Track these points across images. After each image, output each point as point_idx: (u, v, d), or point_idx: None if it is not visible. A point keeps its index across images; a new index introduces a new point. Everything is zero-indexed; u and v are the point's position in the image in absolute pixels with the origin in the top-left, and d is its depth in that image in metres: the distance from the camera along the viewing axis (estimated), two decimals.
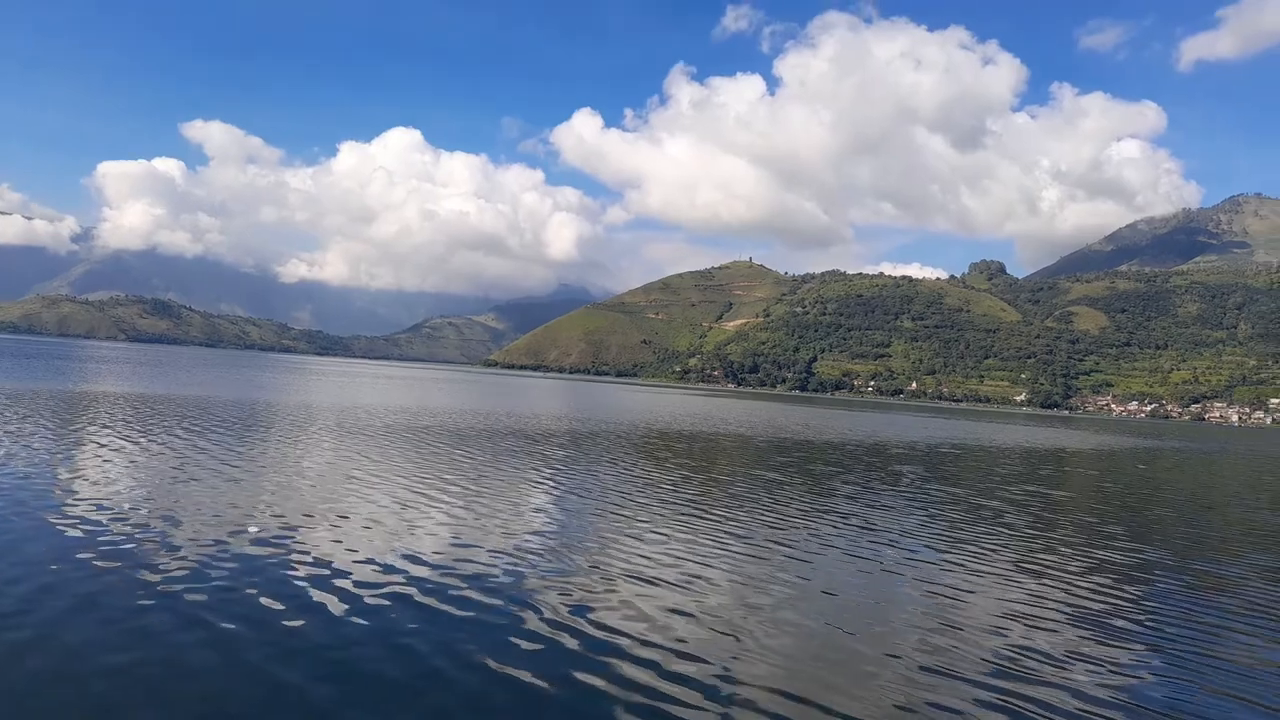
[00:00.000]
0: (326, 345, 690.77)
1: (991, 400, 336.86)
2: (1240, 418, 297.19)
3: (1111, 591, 13.92)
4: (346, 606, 10.26)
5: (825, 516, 19.39)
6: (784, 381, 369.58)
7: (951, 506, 22.76)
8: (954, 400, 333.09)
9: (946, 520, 20.27)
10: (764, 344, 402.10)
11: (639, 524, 16.80)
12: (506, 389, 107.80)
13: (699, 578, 12.79)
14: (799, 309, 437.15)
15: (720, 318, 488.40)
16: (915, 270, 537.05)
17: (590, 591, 11.65)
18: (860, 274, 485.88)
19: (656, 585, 12.17)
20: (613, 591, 11.71)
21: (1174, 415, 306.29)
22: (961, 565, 15.24)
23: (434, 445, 28.55)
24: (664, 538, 15.56)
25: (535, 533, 15.27)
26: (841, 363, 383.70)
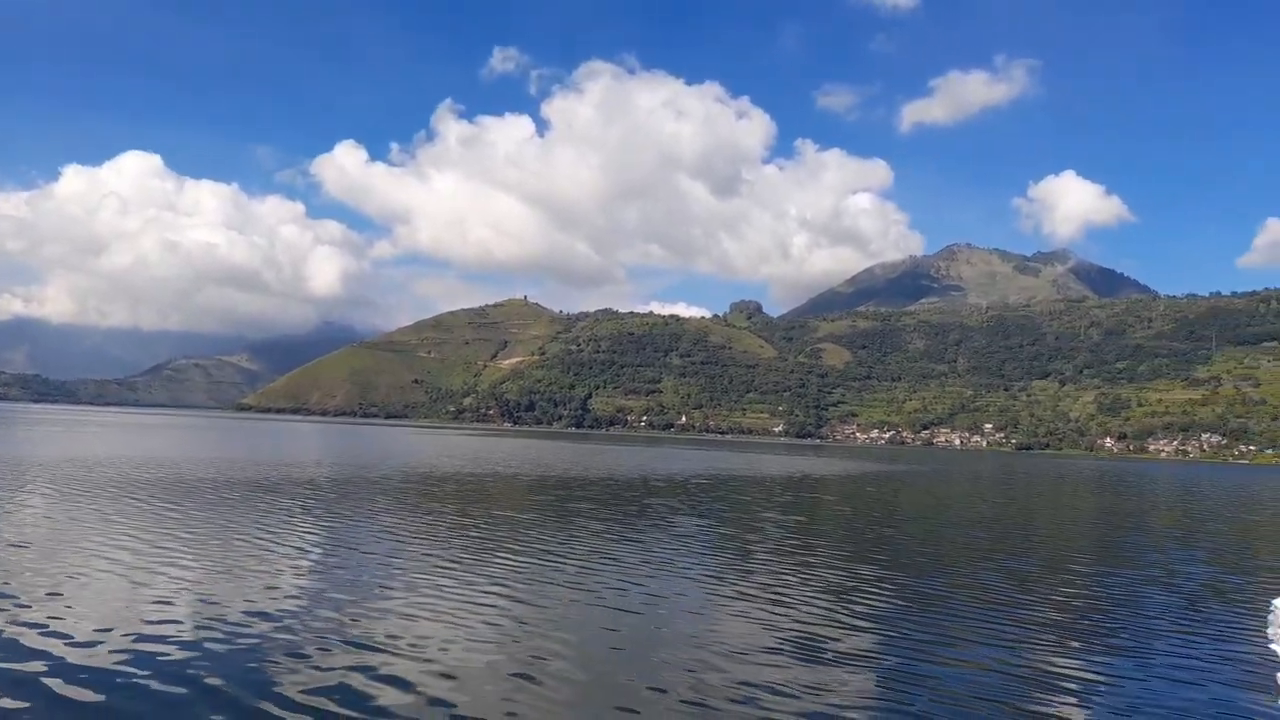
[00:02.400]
0: (45, 391, 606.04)
1: (753, 431, 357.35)
2: (961, 441, 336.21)
3: (835, 613, 14.90)
4: (28, 703, 8.76)
5: (577, 558, 19.39)
6: (561, 419, 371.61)
7: (697, 538, 23.61)
8: (720, 432, 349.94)
9: (690, 552, 20.96)
10: (540, 382, 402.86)
11: (385, 580, 15.93)
12: (259, 434, 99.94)
13: (445, 635, 12.24)
14: (574, 347, 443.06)
15: (495, 356, 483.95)
16: (682, 309, 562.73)
17: (323, 660, 10.77)
18: (632, 313, 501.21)
19: (396, 651, 11.48)
20: (349, 655, 10.91)
21: (908, 441, 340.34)
22: (701, 597, 15.73)
23: (161, 501, 25.64)
24: (409, 593, 14.82)
25: (268, 597, 13.97)
26: (616, 399, 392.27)
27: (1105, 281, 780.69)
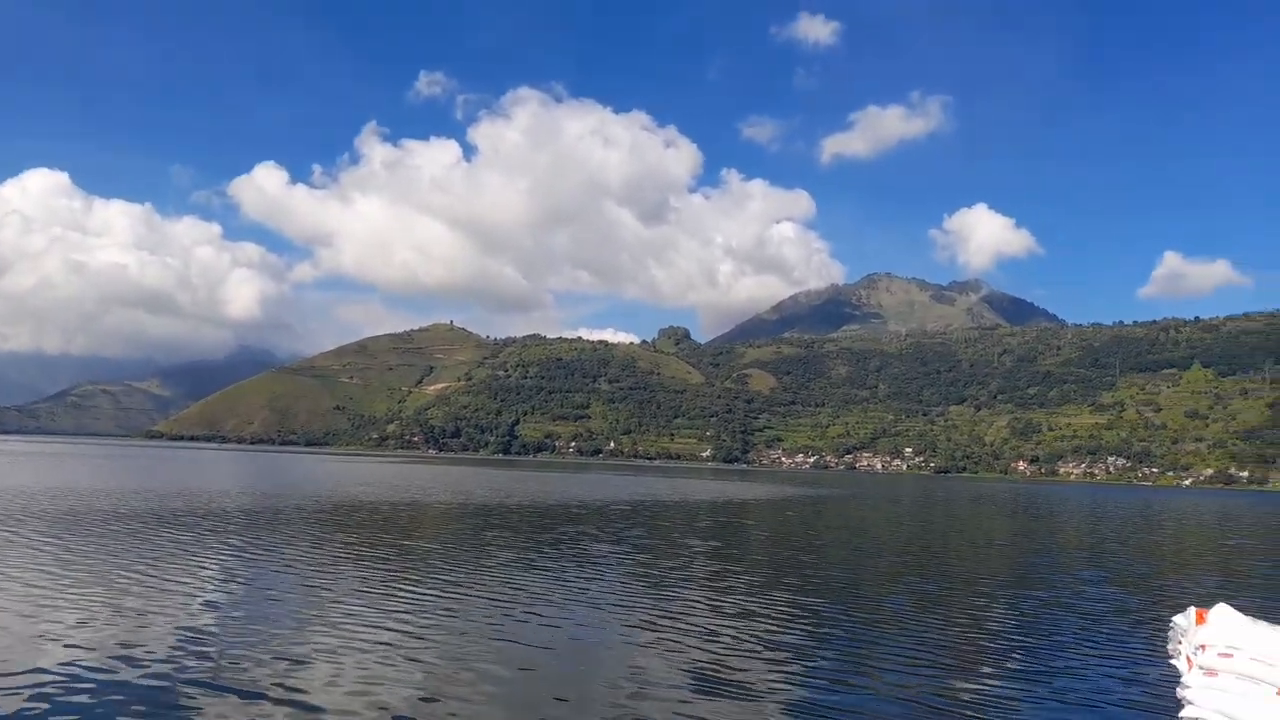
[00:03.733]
0: None
1: (682, 456, 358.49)
2: (883, 465, 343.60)
3: (747, 641, 14.56)
4: None
5: (486, 589, 18.70)
6: (487, 445, 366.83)
7: (613, 566, 23.10)
8: (649, 458, 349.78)
9: (604, 581, 20.44)
10: (466, 408, 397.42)
11: (278, 618, 15.00)
12: (166, 463, 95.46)
13: (335, 676, 11.47)
14: (501, 372, 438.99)
15: (420, 381, 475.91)
16: (610, 335, 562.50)
17: (193, 711, 9.91)
18: (560, 338, 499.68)
19: (278, 698, 10.68)
20: (224, 704, 10.07)
21: (832, 465, 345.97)
22: (612, 628, 15.25)
23: (45, 535, 23.87)
24: (302, 632, 13.95)
25: (145, 640, 12.93)
26: (544, 425, 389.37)
27: (1016, 310, 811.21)
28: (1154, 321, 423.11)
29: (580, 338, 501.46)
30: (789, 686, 11.93)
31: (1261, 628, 5.96)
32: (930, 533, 42.90)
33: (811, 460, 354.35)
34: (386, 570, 20.63)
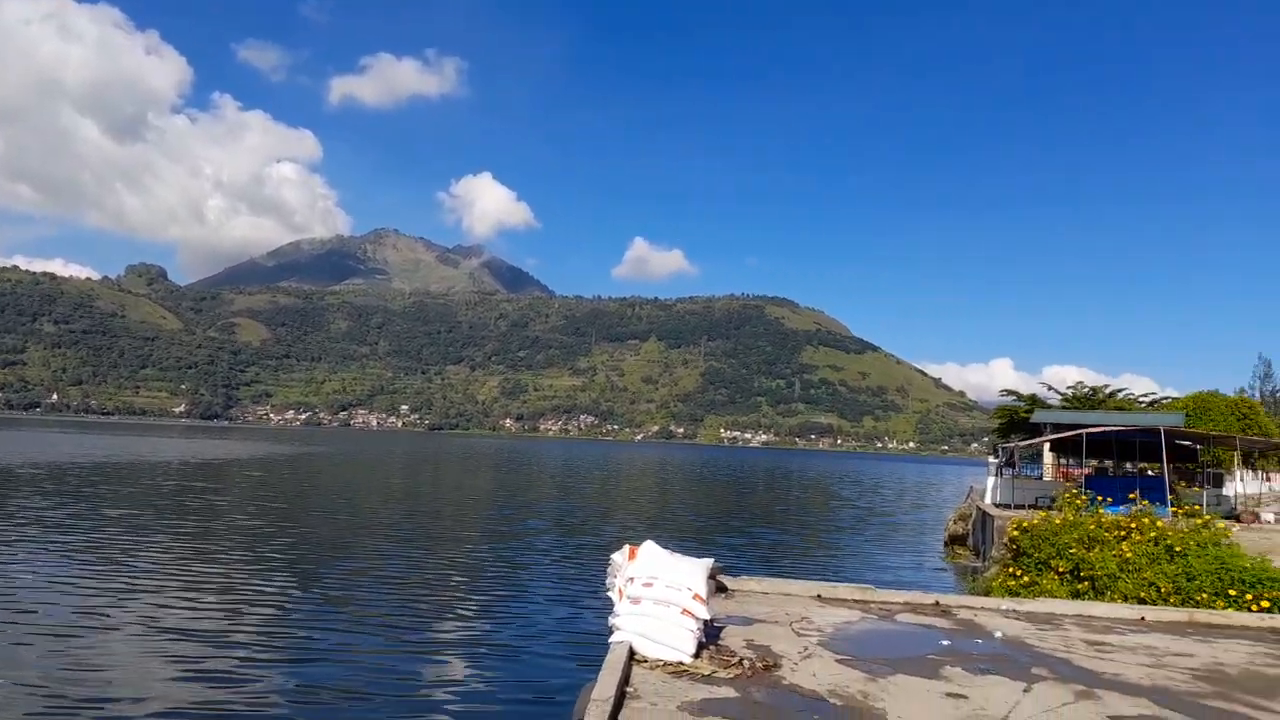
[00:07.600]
0: None
1: (148, 412, 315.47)
2: (379, 422, 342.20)
3: (148, 627, 11.72)
4: None
5: None
6: None
7: None
8: (104, 413, 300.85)
9: None
10: None
11: None
12: None
13: None
14: None
15: None
16: (60, 267, 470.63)
17: None
18: None
19: None
20: None
21: (326, 422, 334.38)
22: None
23: None
24: None
25: None
26: None
27: (514, 278, 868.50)
28: (624, 298, 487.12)
29: (17, 267, 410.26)
30: (185, 673, 9.58)
31: (676, 559, 6.75)
32: (413, 491, 42.45)
33: (304, 417, 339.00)
34: None
